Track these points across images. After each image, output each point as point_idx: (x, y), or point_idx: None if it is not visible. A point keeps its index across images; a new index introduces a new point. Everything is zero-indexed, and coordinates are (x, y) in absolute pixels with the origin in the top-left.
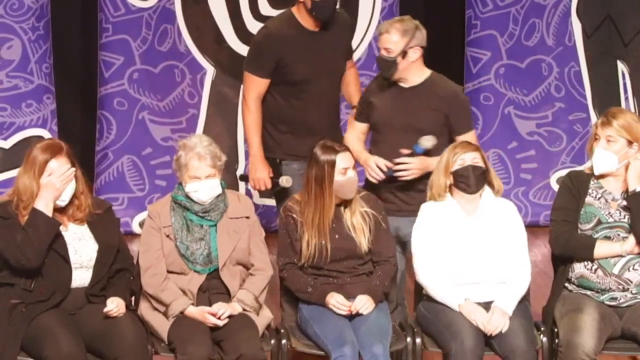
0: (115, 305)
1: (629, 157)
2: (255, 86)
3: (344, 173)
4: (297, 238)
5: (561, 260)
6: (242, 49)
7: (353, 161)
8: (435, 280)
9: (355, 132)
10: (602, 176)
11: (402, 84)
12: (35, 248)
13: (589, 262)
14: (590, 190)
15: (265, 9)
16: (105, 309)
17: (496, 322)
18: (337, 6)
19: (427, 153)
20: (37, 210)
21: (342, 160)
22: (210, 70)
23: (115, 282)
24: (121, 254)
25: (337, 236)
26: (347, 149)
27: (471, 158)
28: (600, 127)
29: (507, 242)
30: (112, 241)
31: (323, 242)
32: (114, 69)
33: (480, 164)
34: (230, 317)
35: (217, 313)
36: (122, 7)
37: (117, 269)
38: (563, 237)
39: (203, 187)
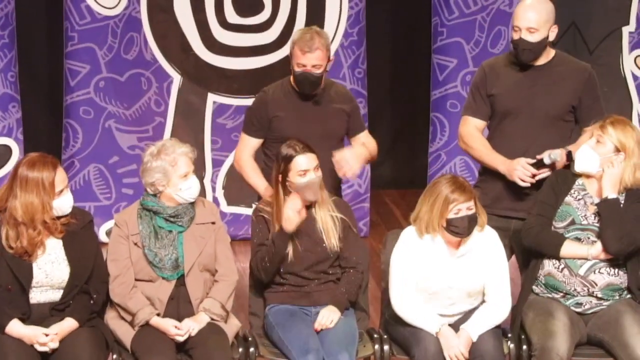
0: (49, 339)
1: (609, 164)
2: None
3: (303, 175)
4: (269, 238)
5: (533, 255)
6: (209, 57)
7: (315, 163)
8: (412, 310)
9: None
10: (587, 177)
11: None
12: None
13: (557, 261)
14: (572, 190)
15: (232, 17)
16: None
17: (457, 348)
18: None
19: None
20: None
21: (302, 162)
22: (177, 79)
23: (73, 303)
24: (94, 273)
25: (308, 238)
26: (309, 149)
27: (466, 207)
28: (597, 127)
29: (487, 274)
30: (85, 263)
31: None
32: (80, 77)
33: (474, 210)
34: None
35: (187, 332)
36: (87, 16)
37: (83, 290)
38: (534, 230)
39: (194, 182)
